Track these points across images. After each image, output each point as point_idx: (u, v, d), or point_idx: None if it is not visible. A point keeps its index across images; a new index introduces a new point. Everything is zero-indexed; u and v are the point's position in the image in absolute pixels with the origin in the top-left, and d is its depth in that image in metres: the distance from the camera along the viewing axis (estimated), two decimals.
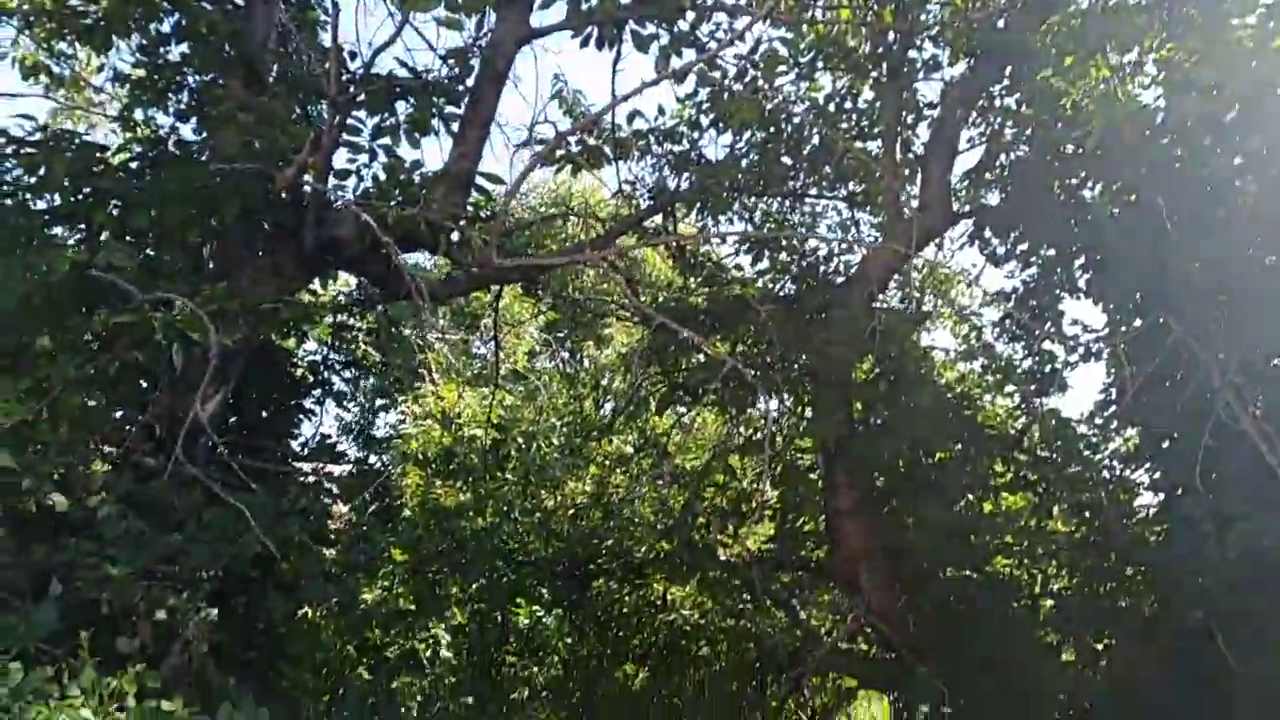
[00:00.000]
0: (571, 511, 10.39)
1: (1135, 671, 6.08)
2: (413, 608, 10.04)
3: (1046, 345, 6.91)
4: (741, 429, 7.82)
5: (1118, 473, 7.07)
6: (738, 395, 6.66)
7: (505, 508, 10.25)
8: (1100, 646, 6.65)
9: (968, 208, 7.13)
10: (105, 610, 4.42)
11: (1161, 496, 5.85)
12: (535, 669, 10.77)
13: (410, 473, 10.50)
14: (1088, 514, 6.60)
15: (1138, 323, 5.93)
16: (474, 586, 10.69)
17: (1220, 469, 5.25)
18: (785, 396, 6.77)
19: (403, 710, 8.42)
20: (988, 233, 6.84)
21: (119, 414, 5.58)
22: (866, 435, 6.91)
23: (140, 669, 4.20)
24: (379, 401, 11.08)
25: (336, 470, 7.68)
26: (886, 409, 7.05)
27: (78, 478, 4.86)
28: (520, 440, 10.74)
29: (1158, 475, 6.07)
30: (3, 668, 3.84)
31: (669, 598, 10.02)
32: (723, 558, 8.10)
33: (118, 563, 4.51)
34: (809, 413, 7.07)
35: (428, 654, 10.62)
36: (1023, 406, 7.42)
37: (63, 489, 4.79)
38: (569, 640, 11.04)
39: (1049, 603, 6.85)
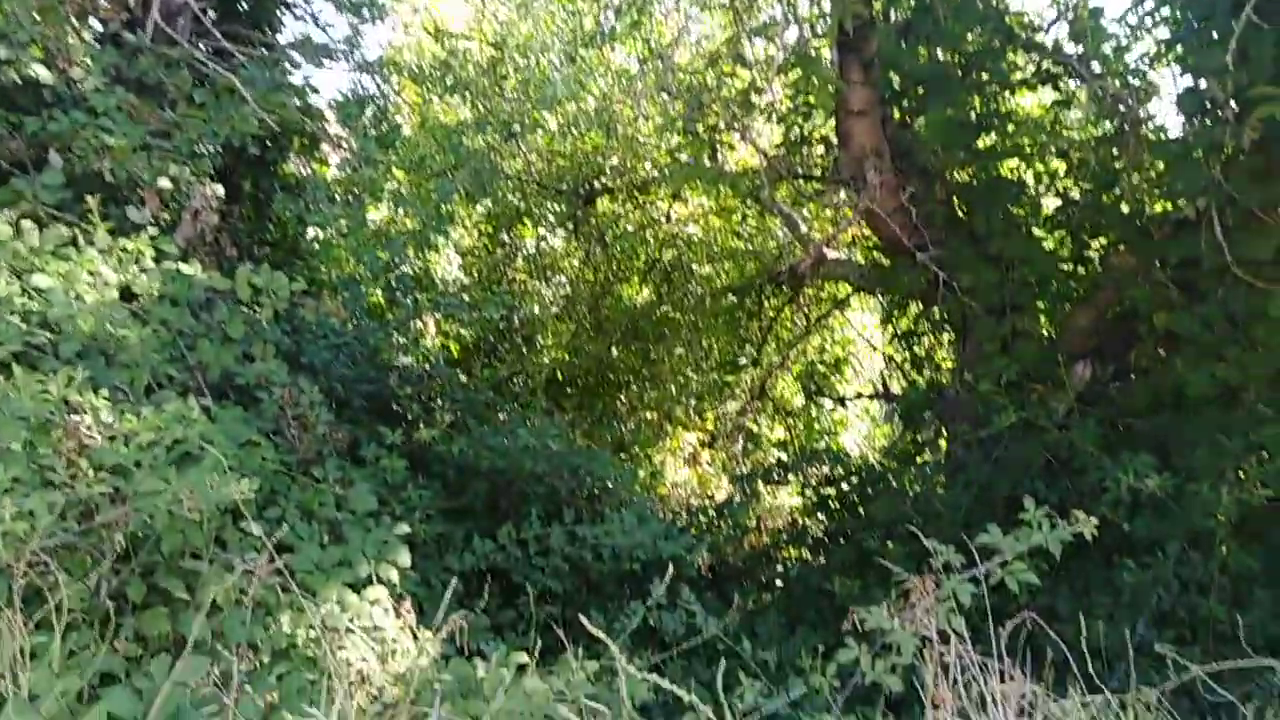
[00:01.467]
0: (573, 131, 10.19)
1: (1126, 266, 6.23)
2: (419, 228, 10.22)
3: None
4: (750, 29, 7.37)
5: (1144, 75, 6.78)
6: None
7: (506, 126, 10.04)
8: (1096, 246, 6.77)
9: None
10: (109, 179, 4.43)
11: (1188, 80, 5.60)
12: (543, 285, 11.19)
13: (406, 87, 10.17)
14: (1105, 111, 6.42)
15: None
16: (479, 208, 10.81)
17: (1256, 51, 4.99)
18: None
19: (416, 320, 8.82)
20: None
21: None
22: (886, 29, 6.52)
23: (155, 234, 4.29)
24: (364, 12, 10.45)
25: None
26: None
27: (58, 49, 4.64)
28: (517, 57, 10.28)
29: (1185, 64, 5.78)
30: (18, 225, 3.91)
31: (672, 215, 10.12)
32: (728, 167, 8.05)
33: (113, 134, 4.45)
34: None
35: (439, 274, 11.02)
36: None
37: (44, 63, 4.61)
38: (575, 261, 11.37)
39: (1053, 204, 6.89)
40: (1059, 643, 3.21)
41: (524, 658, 2.87)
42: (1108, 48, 6.65)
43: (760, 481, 7.31)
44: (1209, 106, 5.47)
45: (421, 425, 5.55)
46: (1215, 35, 5.38)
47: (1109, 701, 2.56)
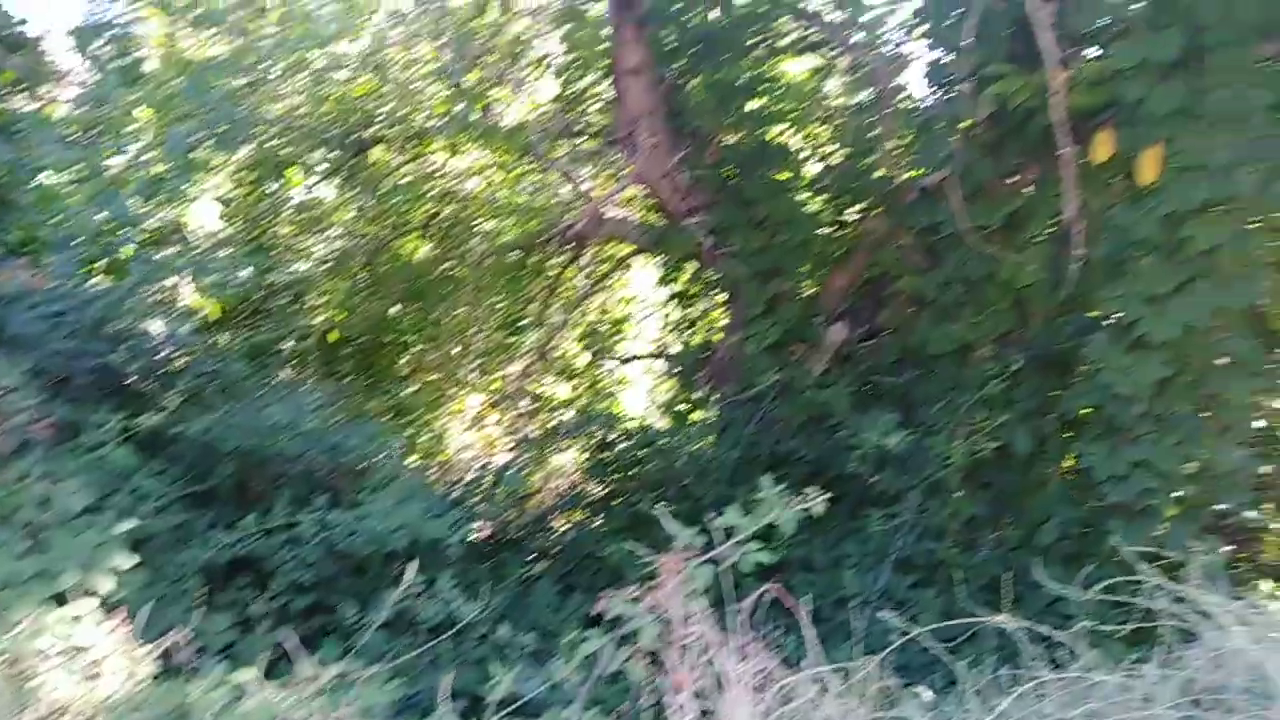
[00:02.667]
0: (343, 73, 9.50)
1: (879, 230, 6.57)
2: (166, 174, 9.26)
3: None
4: None
5: (896, 46, 7.12)
6: None
7: (267, 65, 9.22)
8: (853, 211, 7.09)
9: None
10: None
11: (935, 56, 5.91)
12: (314, 240, 10.49)
13: (152, 15, 9.12)
14: (863, 80, 6.69)
15: None
16: (239, 154, 9.94)
17: (992, 30, 5.31)
18: None
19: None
20: None
21: None
22: None
23: None
24: None
25: None
26: None
27: None
28: None
29: (933, 38, 6.09)
30: None
31: (450, 168, 9.72)
32: (505, 121, 7.79)
33: None
34: None
35: (191, 228, 10.06)
36: None
37: None
38: (349, 214, 10.71)
39: (815, 170, 7.15)
40: (810, 598, 3.34)
41: (248, 674, 2.63)
42: (866, 17, 6.93)
43: (540, 446, 7.24)
44: (951, 80, 5.79)
45: (156, 406, 5.02)
46: (957, 13, 5.68)
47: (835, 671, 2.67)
